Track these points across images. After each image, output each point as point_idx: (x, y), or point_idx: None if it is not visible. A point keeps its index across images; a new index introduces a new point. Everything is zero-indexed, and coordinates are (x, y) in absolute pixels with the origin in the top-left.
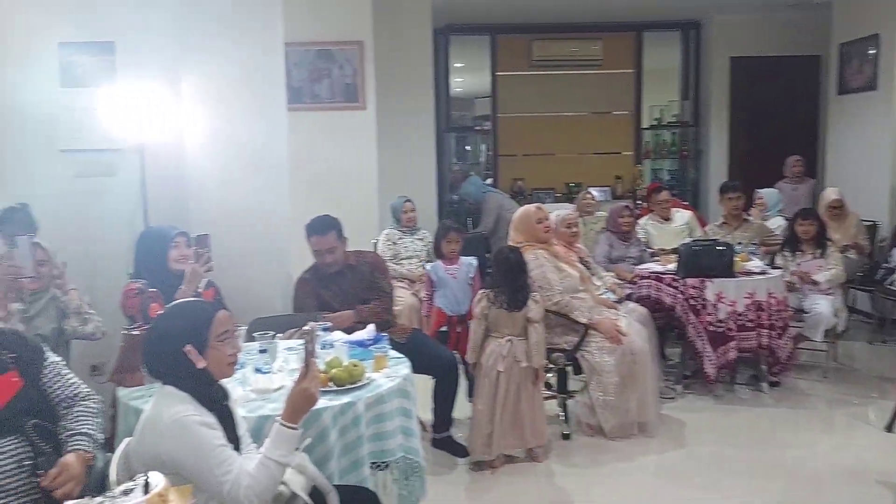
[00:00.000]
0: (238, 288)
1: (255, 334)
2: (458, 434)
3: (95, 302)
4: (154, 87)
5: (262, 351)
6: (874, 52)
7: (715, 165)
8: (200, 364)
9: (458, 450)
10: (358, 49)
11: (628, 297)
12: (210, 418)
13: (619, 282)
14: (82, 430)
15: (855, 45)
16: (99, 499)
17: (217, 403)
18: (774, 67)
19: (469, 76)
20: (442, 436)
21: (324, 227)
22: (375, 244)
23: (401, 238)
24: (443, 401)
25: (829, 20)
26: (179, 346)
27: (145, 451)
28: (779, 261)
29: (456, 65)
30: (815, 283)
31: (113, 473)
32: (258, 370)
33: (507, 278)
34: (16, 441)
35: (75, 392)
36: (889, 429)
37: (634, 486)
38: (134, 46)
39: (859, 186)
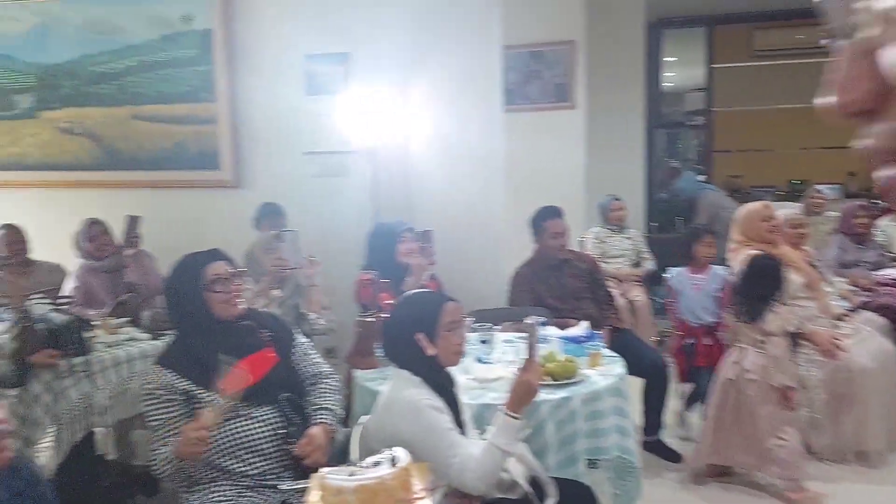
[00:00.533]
0: (457, 282)
1: (474, 325)
2: (669, 439)
3: (329, 289)
4: (384, 94)
5: (483, 342)
6: None
7: None
8: (430, 351)
9: (670, 455)
10: (569, 49)
11: (864, 306)
12: (439, 402)
13: (854, 289)
14: (326, 406)
15: None
16: (352, 468)
17: (445, 389)
18: None
19: (681, 70)
20: (652, 439)
21: (559, 212)
22: (582, 242)
23: (609, 237)
24: (652, 403)
25: None
26: (412, 333)
27: (382, 429)
28: None
29: (668, 59)
30: None
31: (354, 448)
32: (479, 360)
33: (746, 285)
34: (271, 411)
35: (319, 370)
36: None
37: None
38: (367, 56)
39: None
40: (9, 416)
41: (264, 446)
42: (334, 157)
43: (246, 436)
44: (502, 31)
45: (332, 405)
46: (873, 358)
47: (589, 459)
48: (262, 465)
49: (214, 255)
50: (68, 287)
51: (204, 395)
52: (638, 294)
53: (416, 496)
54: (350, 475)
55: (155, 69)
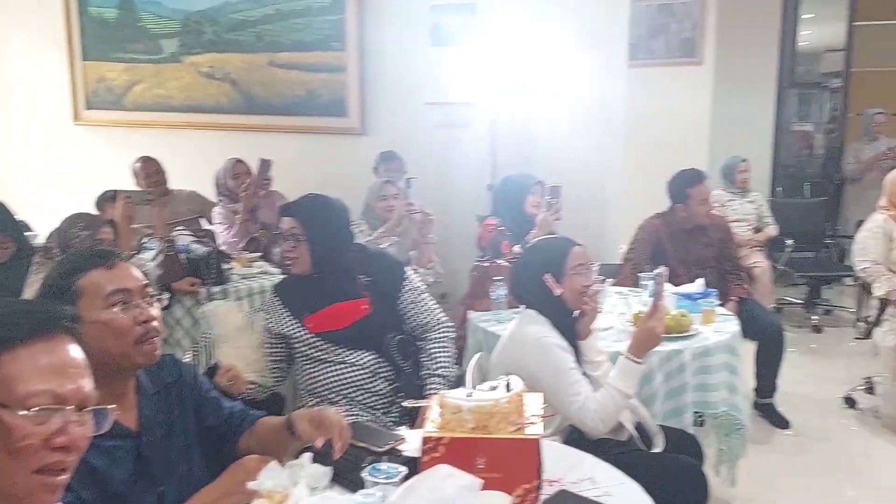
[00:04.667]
0: (573, 235)
1: None
2: (781, 407)
3: (446, 237)
4: (507, 44)
5: None
6: None
7: None
8: (557, 291)
9: (778, 420)
10: (699, 2)
11: None
12: (564, 342)
13: None
14: (438, 372)
15: None
16: (469, 390)
17: (570, 331)
18: None
19: (818, 28)
20: (764, 401)
21: (703, 176)
22: None
23: (730, 200)
24: (765, 365)
25: None
26: (540, 273)
27: (508, 362)
28: None
29: (805, 16)
30: None
31: (468, 380)
32: None
33: None
34: (369, 355)
35: (429, 319)
36: None
37: None
38: (493, 7)
39: None
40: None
41: (358, 393)
42: (456, 108)
43: (342, 380)
44: None
45: (444, 369)
46: None
47: (696, 413)
48: (361, 412)
49: (285, 209)
50: (212, 224)
51: (296, 328)
52: (758, 260)
53: (528, 421)
54: (468, 396)
55: (291, 17)
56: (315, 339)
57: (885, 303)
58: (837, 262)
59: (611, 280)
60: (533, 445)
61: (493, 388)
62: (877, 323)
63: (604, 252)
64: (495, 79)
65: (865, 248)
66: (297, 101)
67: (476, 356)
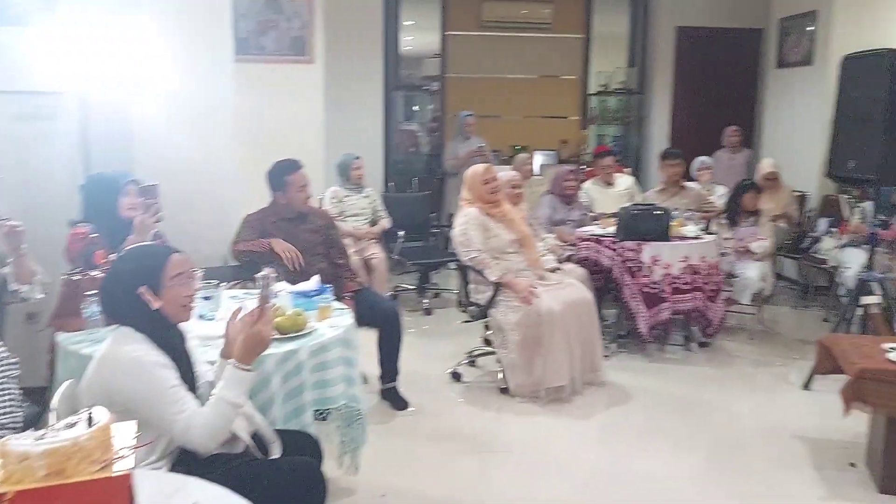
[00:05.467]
0: (183, 238)
1: (199, 283)
2: (401, 388)
3: (33, 246)
4: (97, 30)
5: (207, 298)
6: (812, 28)
7: (657, 133)
8: (155, 305)
9: (400, 402)
10: (307, 0)
11: (569, 259)
12: (165, 359)
13: (561, 244)
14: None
15: (794, 21)
16: (42, 431)
17: (173, 345)
18: (718, 39)
19: (419, 35)
20: (388, 386)
21: (299, 164)
22: (320, 201)
23: (347, 196)
24: (387, 351)
25: None
26: (134, 287)
27: (99, 387)
28: (714, 227)
29: (406, 23)
30: (751, 252)
31: (54, 414)
32: (202, 317)
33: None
34: None
35: None
36: (806, 387)
37: (559, 444)
38: None
39: (792, 158)
40: None
41: None
42: (38, 98)
43: None
44: None
45: (3, 417)
46: (562, 302)
47: (317, 410)
48: None
49: None
50: None
51: None
52: (375, 251)
53: (117, 456)
54: (39, 439)
55: None
56: None
57: (498, 286)
58: (442, 250)
59: (226, 283)
60: (122, 482)
61: (73, 425)
62: (491, 304)
63: (216, 256)
64: (84, 66)
65: (468, 239)
66: None
67: (64, 385)
